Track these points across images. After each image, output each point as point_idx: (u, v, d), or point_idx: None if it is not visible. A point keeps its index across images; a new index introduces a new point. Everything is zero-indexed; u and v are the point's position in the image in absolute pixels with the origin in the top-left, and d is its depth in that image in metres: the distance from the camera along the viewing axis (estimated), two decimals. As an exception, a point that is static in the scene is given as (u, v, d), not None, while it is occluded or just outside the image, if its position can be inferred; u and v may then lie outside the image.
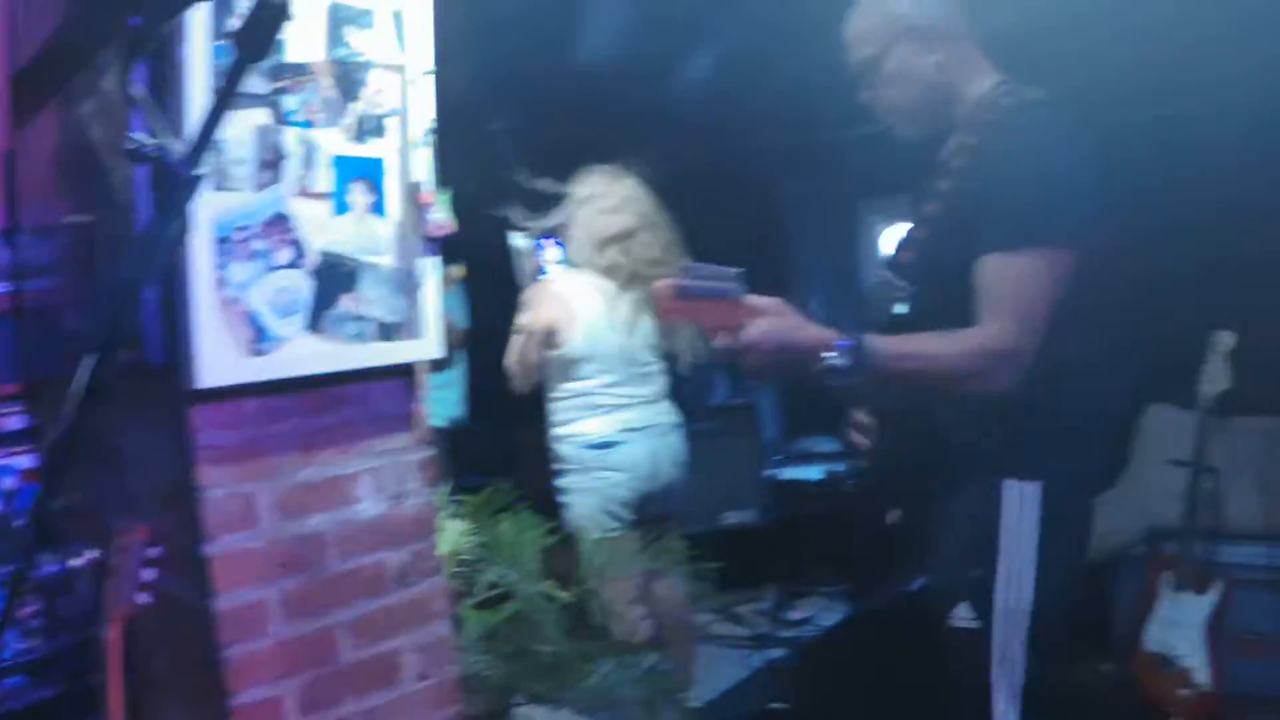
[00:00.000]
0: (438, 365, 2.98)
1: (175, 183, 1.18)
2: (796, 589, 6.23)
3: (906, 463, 2.61)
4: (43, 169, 2.80)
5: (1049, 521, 2.40)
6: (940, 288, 2.43)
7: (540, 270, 4.61)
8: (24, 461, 2.85)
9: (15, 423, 3.07)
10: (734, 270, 2.22)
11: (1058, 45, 4.24)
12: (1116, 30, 4.45)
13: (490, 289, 5.14)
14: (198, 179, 1.22)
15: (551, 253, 4.59)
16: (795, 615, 5.97)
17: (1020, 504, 2.40)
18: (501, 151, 5.60)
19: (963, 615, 2.46)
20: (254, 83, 2.47)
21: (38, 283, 2.94)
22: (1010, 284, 2.28)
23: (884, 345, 2.27)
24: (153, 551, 2.30)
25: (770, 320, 2.24)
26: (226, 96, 1.20)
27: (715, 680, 5.11)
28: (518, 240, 4.61)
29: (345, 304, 2.66)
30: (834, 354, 2.22)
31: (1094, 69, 4.35)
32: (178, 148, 1.18)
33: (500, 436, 6.30)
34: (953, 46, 2.51)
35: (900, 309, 2.53)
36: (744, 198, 7.60)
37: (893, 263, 2.63)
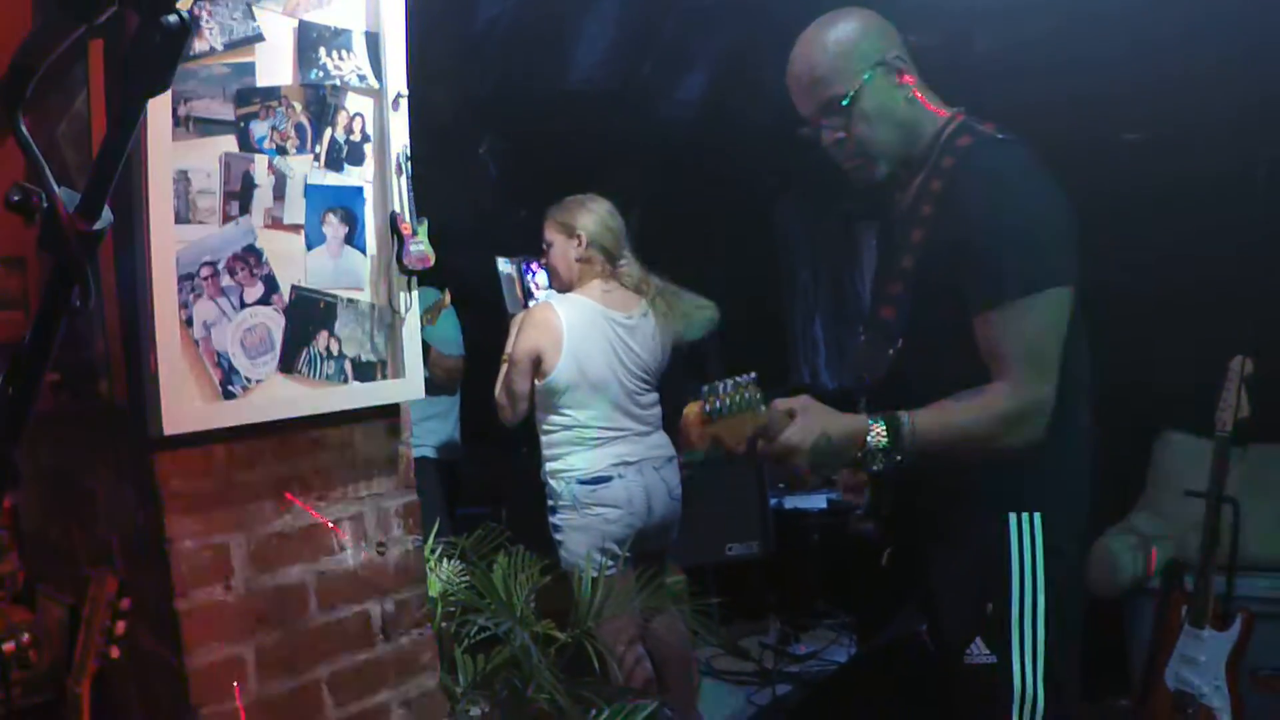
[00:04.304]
0: (432, 394, 2.85)
1: (69, 240, 1.01)
2: (801, 621, 6.13)
3: (904, 506, 2.54)
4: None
5: (1051, 551, 2.38)
6: (930, 343, 2.40)
7: (528, 296, 4.49)
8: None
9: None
10: (750, 376, 2.16)
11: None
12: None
13: (485, 316, 5.03)
14: (94, 235, 1.05)
15: (538, 278, 4.47)
16: (800, 649, 5.87)
17: (1026, 535, 2.38)
18: (486, 176, 5.50)
19: (978, 652, 2.41)
20: (220, 108, 2.36)
21: (9, 313, 2.83)
22: (1022, 335, 2.28)
23: (921, 421, 2.25)
24: (123, 603, 2.19)
25: (804, 418, 2.19)
26: (121, 137, 1.02)
27: (720, 718, 5.01)
28: (504, 265, 4.49)
29: (321, 342, 2.54)
30: (875, 438, 2.22)
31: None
32: (70, 198, 1.02)
33: (495, 468, 6.19)
34: (914, 81, 2.50)
35: (890, 367, 2.47)
36: (737, 219, 7.51)
37: (873, 320, 2.59)
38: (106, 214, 1.03)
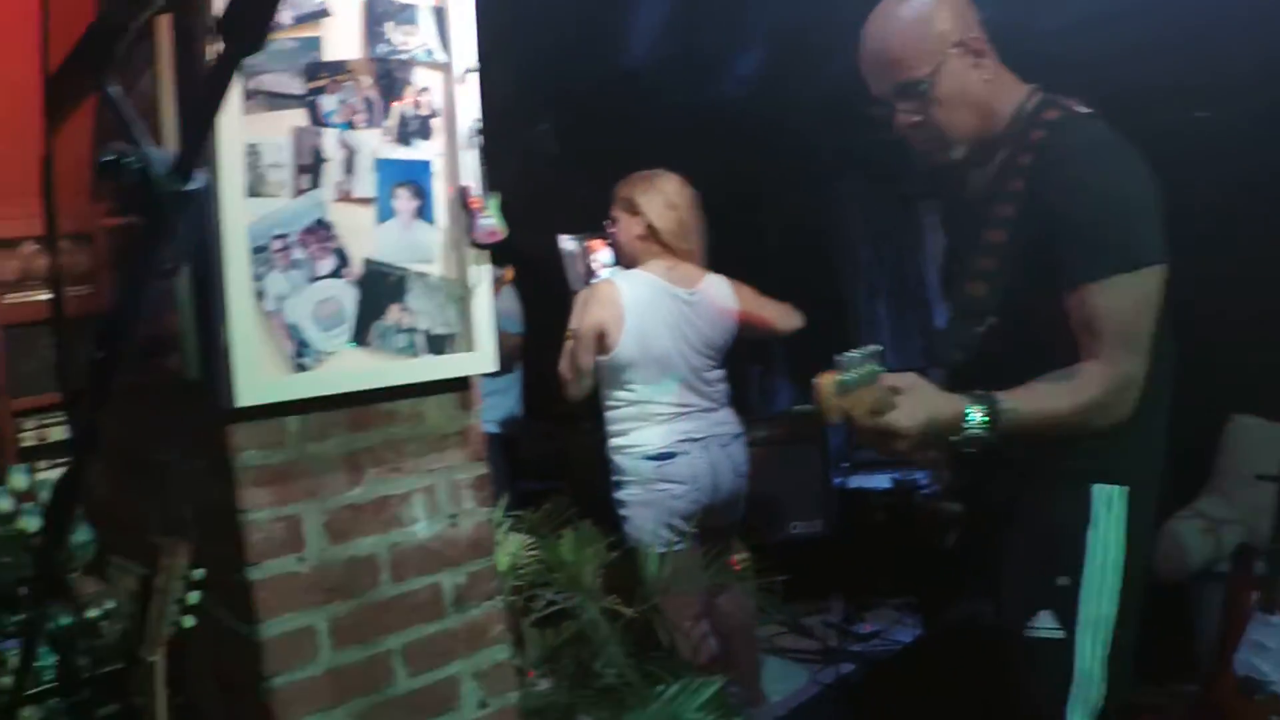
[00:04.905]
0: (493, 372, 2.85)
1: (162, 201, 1.01)
2: (865, 601, 6.09)
3: (983, 480, 2.56)
4: (79, 171, 2.70)
5: (1131, 526, 2.40)
6: (1024, 318, 2.39)
7: (591, 272, 4.48)
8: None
9: (59, 433, 3.00)
10: (876, 347, 2.18)
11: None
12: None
13: (546, 293, 5.03)
14: (188, 195, 1.04)
15: (602, 254, 4.46)
16: (864, 628, 5.84)
17: (1108, 508, 2.39)
18: (549, 152, 5.48)
19: (1044, 624, 2.42)
20: (289, 82, 2.36)
21: (77, 289, 2.86)
22: (1120, 312, 2.27)
23: (1020, 403, 2.25)
24: (196, 573, 2.21)
25: (912, 398, 2.20)
26: (215, 97, 1.01)
27: (783, 696, 5.00)
28: (567, 242, 4.49)
29: (392, 315, 2.54)
30: (975, 421, 2.23)
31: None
32: (163, 159, 1.02)
33: (557, 444, 6.20)
34: (992, 59, 2.47)
35: (981, 344, 2.46)
36: (798, 195, 7.46)
37: (962, 297, 2.55)
38: (201, 175, 1.02)
